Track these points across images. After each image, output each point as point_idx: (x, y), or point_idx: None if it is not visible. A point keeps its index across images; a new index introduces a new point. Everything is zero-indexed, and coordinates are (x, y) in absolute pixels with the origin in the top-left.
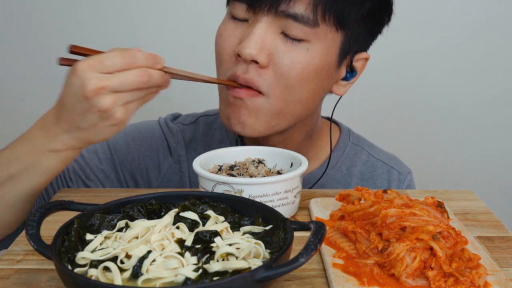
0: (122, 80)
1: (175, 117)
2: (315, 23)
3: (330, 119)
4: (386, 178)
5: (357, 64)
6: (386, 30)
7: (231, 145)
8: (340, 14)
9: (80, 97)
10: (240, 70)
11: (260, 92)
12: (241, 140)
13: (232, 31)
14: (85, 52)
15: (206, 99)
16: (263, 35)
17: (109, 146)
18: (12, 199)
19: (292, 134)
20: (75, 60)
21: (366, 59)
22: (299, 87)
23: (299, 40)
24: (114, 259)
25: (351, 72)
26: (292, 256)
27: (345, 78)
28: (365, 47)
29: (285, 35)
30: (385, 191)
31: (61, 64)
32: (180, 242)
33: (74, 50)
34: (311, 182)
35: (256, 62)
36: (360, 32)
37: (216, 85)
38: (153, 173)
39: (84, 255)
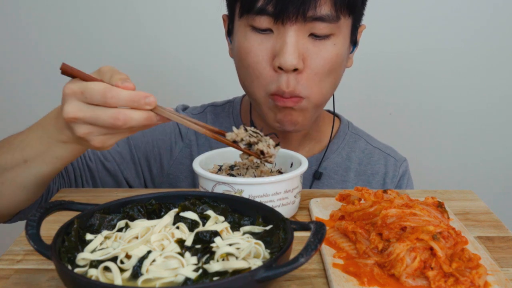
0: (95, 117)
1: (185, 108)
2: (338, 18)
3: (333, 102)
4: (383, 164)
5: (358, 36)
6: None
7: None
8: (352, 2)
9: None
10: (283, 83)
11: (301, 97)
12: None
13: (259, 45)
14: (74, 74)
15: (212, 93)
16: (296, 42)
17: None
18: (24, 182)
19: None
20: (73, 73)
21: (362, 29)
22: (330, 77)
23: (326, 37)
24: (114, 259)
25: (354, 45)
26: (292, 256)
27: (351, 52)
28: (361, 18)
29: (312, 35)
30: (385, 191)
31: (62, 73)
32: (180, 242)
33: (64, 69)
34: (313, 165)
35: (295, 69)
36: (361, 8)
37: (228, 82)
38: (165, 156)
39: (84, 256)
